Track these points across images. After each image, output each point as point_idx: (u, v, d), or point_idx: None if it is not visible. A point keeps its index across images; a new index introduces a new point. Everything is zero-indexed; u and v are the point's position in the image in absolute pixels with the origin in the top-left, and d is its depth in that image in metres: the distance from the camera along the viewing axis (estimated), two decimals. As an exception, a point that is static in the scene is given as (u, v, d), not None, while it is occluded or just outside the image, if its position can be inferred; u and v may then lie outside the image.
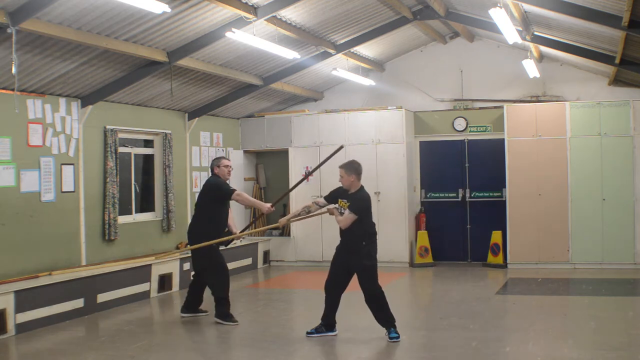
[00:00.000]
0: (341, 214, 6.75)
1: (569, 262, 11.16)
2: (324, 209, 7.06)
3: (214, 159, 8.02)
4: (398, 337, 6.61)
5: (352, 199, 6.74)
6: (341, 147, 8.26)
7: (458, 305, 8.57)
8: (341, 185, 6.89)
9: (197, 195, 11.58)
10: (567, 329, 7.37)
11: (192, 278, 8.27)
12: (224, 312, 7.66)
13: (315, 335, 6.88)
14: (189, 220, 11.32)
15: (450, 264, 12.09)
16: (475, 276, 10.83)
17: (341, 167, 6.90)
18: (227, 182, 7.90)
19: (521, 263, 11.34)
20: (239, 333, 7.43)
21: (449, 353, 6.31)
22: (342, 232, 6.83)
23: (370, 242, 6.77)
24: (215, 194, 7.70)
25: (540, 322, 7.41)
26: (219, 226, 7.83)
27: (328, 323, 6.92)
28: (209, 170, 8.24)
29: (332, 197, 6.99)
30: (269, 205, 7.80)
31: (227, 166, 7.85)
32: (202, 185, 8.22)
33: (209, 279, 7.78)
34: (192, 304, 8.08)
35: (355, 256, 6.71)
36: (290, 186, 8.44)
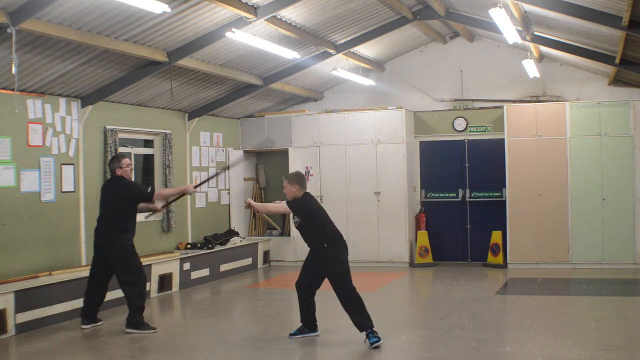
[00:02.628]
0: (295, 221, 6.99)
1: (569, 262, 11.16)
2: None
3: (114, 159, 7.68)
4: (378, 340, 6.44)
5: (292, 205, 6.85)
6: (227, 168, 8.53)
7: (458, 305, 8.57)
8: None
9: (197, 195, 11.76)
10: (567, 329, 7.36)
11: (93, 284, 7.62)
12: (140, 321, 7.37)
13: (299, 336, 6.90)
14: (190, 220, 11.41)
15: (450, 264, 12.09)
16: (475, 276, 10.83)
17: (285, 178, 6.99)
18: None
19: (521, 263, 11.34)
20: (239, 333, 7.43)
21: (449, 353, 6.31)
22: (305, 239, 6.96)
23: (333, 245, 6.76)
24: (134, 196, 7.44)
25: (540, 322, 7.41)
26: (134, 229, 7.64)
27: (308, 324, 6.93)
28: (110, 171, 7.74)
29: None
30: (191, 185, 7.81)
31: (128, 165, 7.58)
32: (105, 189, 7.67)
33: (130, 286, 7.41)
34: (93, 312, 7.65)
35: (323, 261, 6.74)
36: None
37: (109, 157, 9.52)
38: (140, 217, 10.52)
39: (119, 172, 7.52)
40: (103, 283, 7.60)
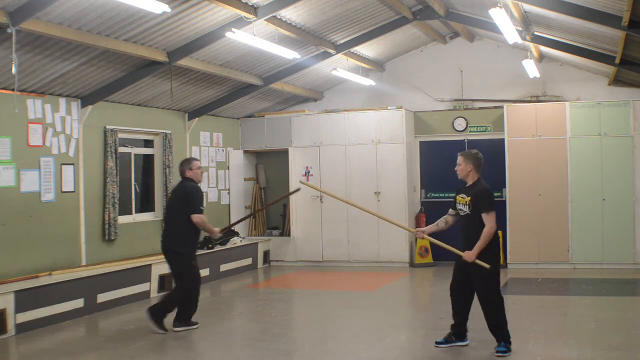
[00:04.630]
0: (462, 212, 6.22)
1: (569, 262, 11.16)
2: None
3: (184, 161, 7.55)
4: (506, 352, 6.00)
5: (474, 193, 6.16)
6: (298, 190, 8.23)
7: (458, 305, 8.54)
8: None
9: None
10: (567, 329, 7.36)
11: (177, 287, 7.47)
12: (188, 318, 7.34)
13: (445, 345, 6.36)
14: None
15: (451, 264, 11.82)
16: (475, 276, 10.80)
17: (461, 154, 6.41)
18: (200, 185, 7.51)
19: (521, 263, 11.34)
20: (239, 333, 7.43)
21: (449, 353, 6.30)
22: (463, 232, 6.25)
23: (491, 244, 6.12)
24: (187, 202, 7.20)
25: (540, 322, 7.41)
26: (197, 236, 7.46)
27: (457, 331, 6.40)
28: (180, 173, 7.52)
29: (454, 202, 6.44)
30: (218, 229, 7.49)
31: (199, 167, 7.45)
32: (173, 191, 7.61)
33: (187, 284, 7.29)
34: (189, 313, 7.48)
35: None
36: (288, 191, 7.83)
37: (109, 157, 9.54)
38: (142, 217, 10.63)
39: (188, 173, 7.34)
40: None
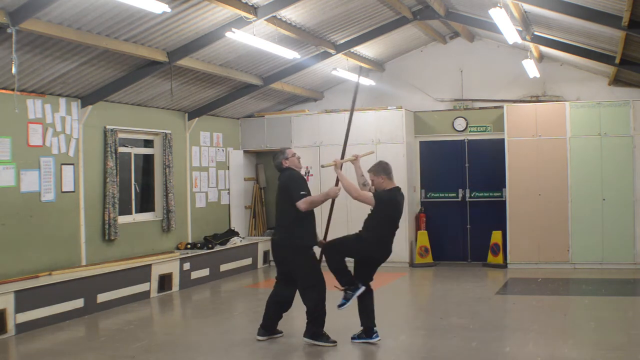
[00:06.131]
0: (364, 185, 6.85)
1: (569, 262, 11.16)
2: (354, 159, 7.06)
3: (277, 153, 7.07)
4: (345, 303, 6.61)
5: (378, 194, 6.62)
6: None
7: (458, 305, 8.57)
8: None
9: (197, 195, 11.77)
10: (567, 329, 7.37)
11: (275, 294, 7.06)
12: (318, 332, 6.72)
13: (358, 341, 6.67)
14: (190, 220, 11.41)
15: (450, 264, 12.08)
16: (475, 276, 10.83)
17: (369, 170, 6.73)
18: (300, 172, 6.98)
19: (521, 263, 11.34)
20: (239, 333, 7.43)
21: (449, 353, 6.31)
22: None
23: (370, 242, 6.60)
24: (289, 189, 6.70)
25: (540, 322, 7.41)
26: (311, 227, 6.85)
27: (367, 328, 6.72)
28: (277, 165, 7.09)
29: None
30: (334, 188, 6.84)
31: (294, 154, 6.97)
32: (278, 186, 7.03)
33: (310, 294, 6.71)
34: (272, 324, 7.02)
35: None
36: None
37: (109, 157, 9.53)
38: (142, 217, 10.63)
39: (286, 163, 6.90)
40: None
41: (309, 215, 6.73)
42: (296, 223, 6.66)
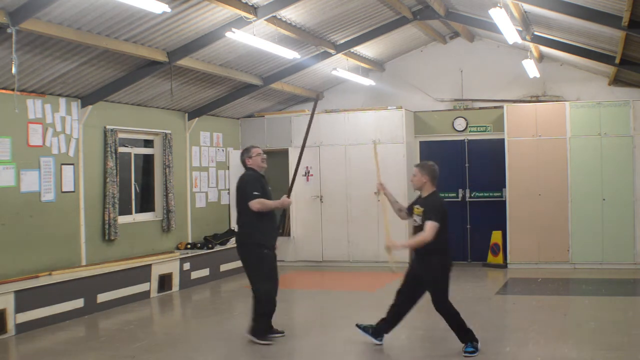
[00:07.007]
0: (415, 222, 6.24)
1: (569, 262, 11.16)
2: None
3: (244, 150, 7.07)
4: (474, 352, 6.12)
5: (426, 204, 6.18)
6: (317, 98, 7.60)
7: (458, 305, 8.49)
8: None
9: (197, 195, 11.78)
10: (567, 329, 7.36)
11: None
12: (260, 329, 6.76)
13: (360, 332, 6.55)
14: (190, 220, 11.42)
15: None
16: (475, 276, 10.82)
17: (417, 165, 6.46)
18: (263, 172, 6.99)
19: (521, 263, 11.34)
20: (239, 333, 7.42)
21: (449, 353, 6.30)
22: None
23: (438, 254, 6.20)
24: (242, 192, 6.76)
25: (540, 322, 7.41)
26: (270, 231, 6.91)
27: (377, 329, 6.54)
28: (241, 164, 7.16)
29: (409, 208, 6.49)
30: (285, 197, 7.02)
31: (259, 154, 6.95)
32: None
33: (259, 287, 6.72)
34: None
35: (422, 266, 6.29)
36: (287, 191, 7.67)
37: (109, 157, 9.53)
38: (142, 217, 10.63)
39: (249, 162, 6.93)
40: None
41: (265, 216, 6.78)
42: (252, 223, 6.72)
